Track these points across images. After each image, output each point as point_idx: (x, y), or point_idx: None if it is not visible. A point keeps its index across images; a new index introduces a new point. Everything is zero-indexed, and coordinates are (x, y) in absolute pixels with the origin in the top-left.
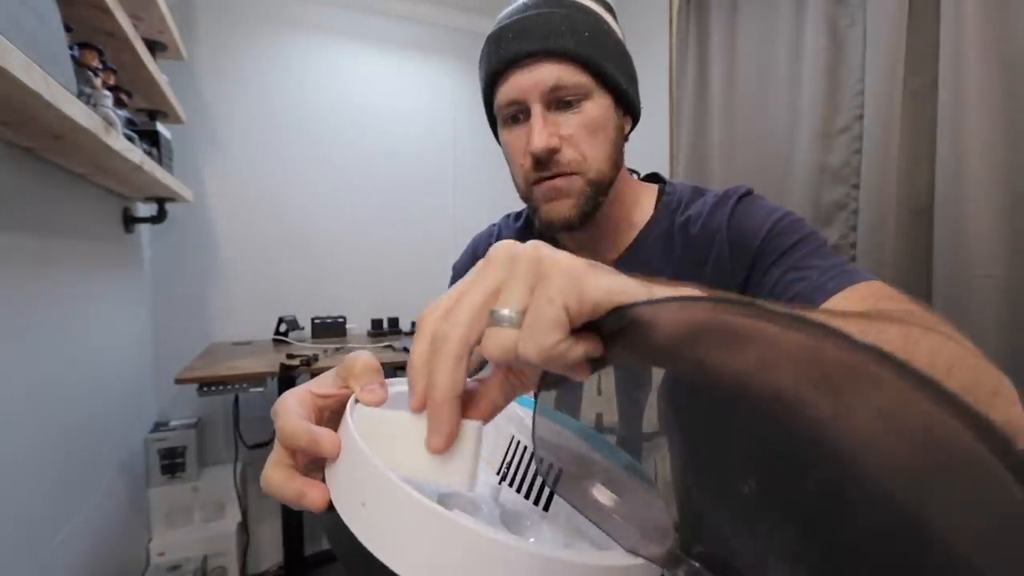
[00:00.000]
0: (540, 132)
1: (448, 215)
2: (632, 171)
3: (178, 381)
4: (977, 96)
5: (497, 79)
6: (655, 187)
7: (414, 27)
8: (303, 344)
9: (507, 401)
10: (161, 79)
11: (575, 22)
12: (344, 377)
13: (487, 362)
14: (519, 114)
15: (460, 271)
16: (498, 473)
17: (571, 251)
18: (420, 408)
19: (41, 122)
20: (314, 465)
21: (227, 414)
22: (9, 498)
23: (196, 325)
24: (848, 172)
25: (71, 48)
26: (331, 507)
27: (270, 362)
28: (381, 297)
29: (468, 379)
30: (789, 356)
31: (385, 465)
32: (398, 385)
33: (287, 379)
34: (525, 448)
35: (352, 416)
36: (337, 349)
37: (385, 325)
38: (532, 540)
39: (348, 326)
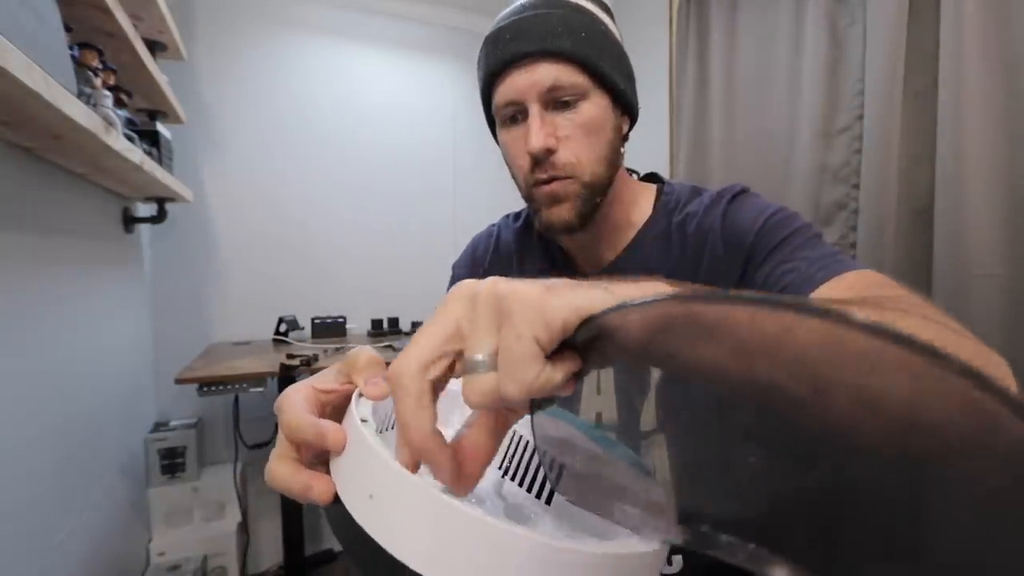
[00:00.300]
0: (537, 132)
1: (448, 215)
2: (631, 171)
3: (178, 381)
4: (977, 96)
5: (495, 80)
6: (653, 187)
7: (414, 27)
8: (303, 344)
9: (499, 441)
10: (161, 79)
11: (572, 23)
12: (347, 372)
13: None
14: (517, 114)
15: (460, 271)
16: (500, 467)
17: (572, 252)
18: (410, 462)
19: (41, 122)
20: (318, 459)
21: (227, 414)
22: (9, 498)
23: (196, 325)
24: (848, 172)
25: (71, 48)
26: (337, 500)
27: (270, 362)
28: (381, 297)
29: (460, 428)
30: (761, 339)
31: (391, 457)
32: None
33: (287, 379)
34: (527, 442)
35: (357, 409)
36: (337, 349)
37: (385, 325)
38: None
39: (348, 326)
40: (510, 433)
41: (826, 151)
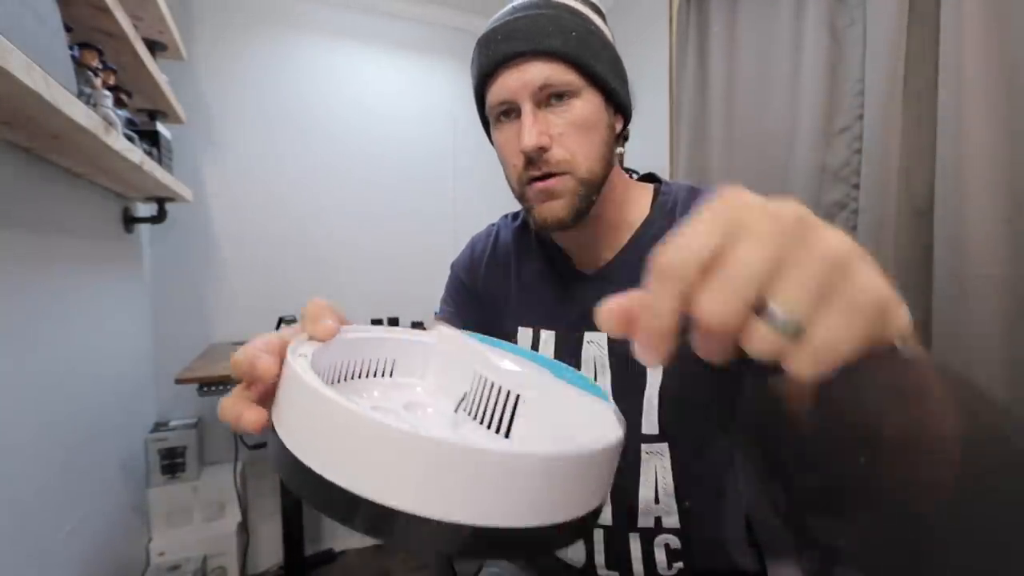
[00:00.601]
0: (530, 130)
1: (448, 215)
2: (630, 171)
3: (178, 381)
4: (977, 96)
5: (487, 80)
6: (650, 187)
7: (414, 27)
8: None
9: None
10: (161, 79)
11: (563, 23)
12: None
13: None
14: (510, 112)
15: (459, 269)
16: (457, 409)
17: (569, 251)
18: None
19: (41, 122)
20: (269, 398)
21: None
22: (9, 498)
23: (196, 325)
24: (848, 172)
25: (71, 48)
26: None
27: None
28: (381, 297)
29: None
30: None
31: (315, 380)
32: (360, 332)
33: None
34: (489, 383)
35: (294, 346)
36: None
37: (385, 325)
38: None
39: None
40: (472, 375)
41: (826, 151)
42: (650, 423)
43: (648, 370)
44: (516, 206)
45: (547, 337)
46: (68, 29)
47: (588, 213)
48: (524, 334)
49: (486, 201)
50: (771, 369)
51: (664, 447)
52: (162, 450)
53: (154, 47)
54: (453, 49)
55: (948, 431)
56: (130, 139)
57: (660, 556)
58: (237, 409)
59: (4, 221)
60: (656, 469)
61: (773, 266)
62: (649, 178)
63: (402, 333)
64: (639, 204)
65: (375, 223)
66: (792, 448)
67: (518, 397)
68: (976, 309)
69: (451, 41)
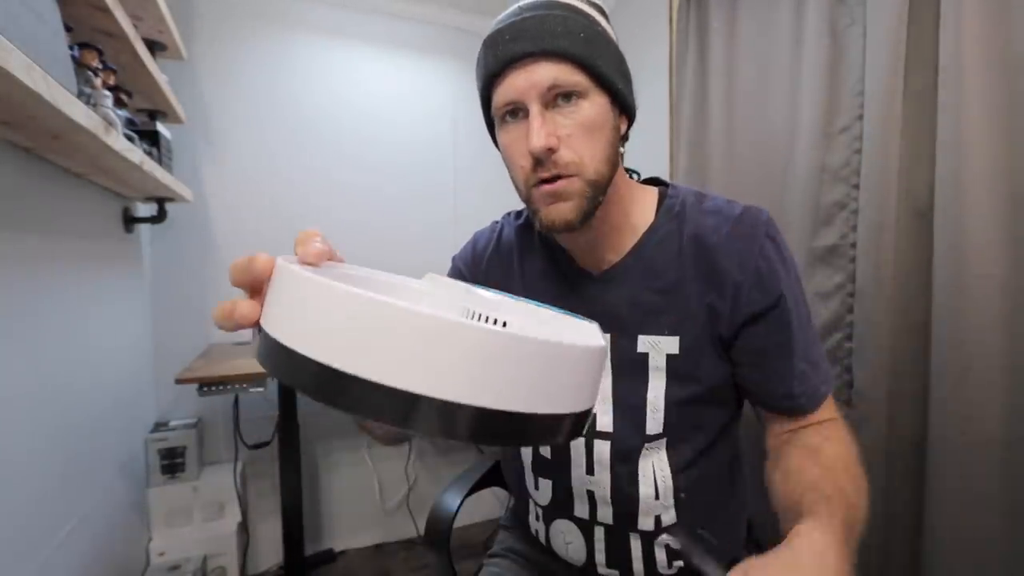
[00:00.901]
0: (538, 131)
1: (448, 215)
2: (631, 171)
3: (178, 381)
4: (977, 96)
5: (494, 80)
6: (654, 189)
7: (414, 27)
8: None
9: None
10: (161, 79)
11: (570, 24)
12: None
13: None
14: (517, 112)
15: (460, 262)
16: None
17: (572, 253)
18: None
19: (41, 122)
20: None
21: (227, 414)
22: (9, 498)
23: (196, 325)
24: (848, 172)
25: (71, 48)
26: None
27: None
28: None
29: None
30: None
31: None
32: (352, 269)
33: None
34: (476, 314)
35: (283, 259)
36: None
37: None
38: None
39: None
40: (467, 312)
41: (826, 151)
42: (654, 423)
43: (650, 373)
44: (516, 203)
45: None
46: (68, 29)
47: (593, 215)
48: None
49: (486, 201)
50: None
51: (663, 443)
52: (162, 450)
53: (154, 47)
54: (453, 49)
55: None
56: (130, 139)
57: (660, 555)
58: (231, 301)
59: (4, 221)
60: (654, 464)
61: None
62: (651, 182)
63: (395, 277)
64: (643, 207)
65: (375, 222)
66: None
67: (505, 323)
68: (976, 309)
69: (451, 41)
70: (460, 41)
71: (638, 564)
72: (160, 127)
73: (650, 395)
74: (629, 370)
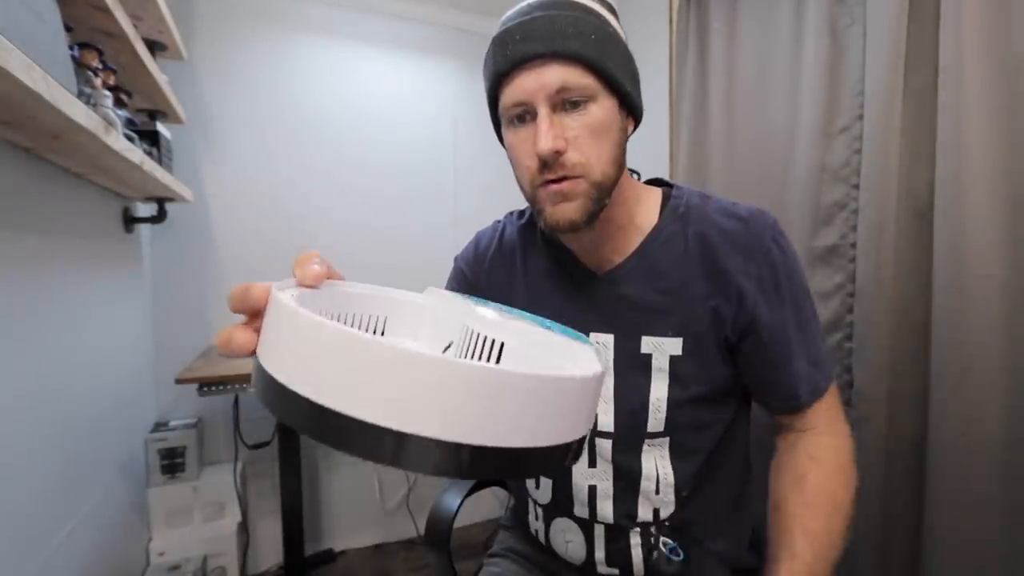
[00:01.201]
0: (546, 134)
1: (448, 215)
2: (632, 171)
3: (178, 381)
4: (977, 96)
5: (503, 80)
6: (658, 190)
7: (414, 27)
8: None
9: None
10: (161, 79)
11: (581, 24)
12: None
13: None
14: (525, 115)
15: (462, 262)
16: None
17: (576, 253)
18: None
19: (41, 122)
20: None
21: (227, 414)
22: (9, 498)
23: (196, 325)
24: (848, 172)
25: (71, 48)
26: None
27: None
28: None
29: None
30: None
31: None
32: (352, 287)
33: None
34: (475, 333)
35: (280, 284)
36: None
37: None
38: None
39: None
40: (465, 329)
41: (826, 151)
42: (656, 422)
43: (653, 374)
44: (516, 203)
45: None
46: (68, 29)
47: (599, 215)
48: None
49: (486, 201)
50: None
51: (665, 441)
52: (162, 450)
53: (154, 47)
54: (453, 49)
55: None
56: (130, 139)
57: (660, 553)
58: (229, 331)
59: (4, 221)
60: (656, 460)
61: None
62: (655, 182)
63: (395, 292)
64: (647, 207)
65: (376, 222)
66: None
67: (503, 344)
68: (976, 310)
69: (451, 41)
70: (460, 41)
71: (638, 562)
72: (160, 127)
73: (652, 396)
74: (631, 370)
